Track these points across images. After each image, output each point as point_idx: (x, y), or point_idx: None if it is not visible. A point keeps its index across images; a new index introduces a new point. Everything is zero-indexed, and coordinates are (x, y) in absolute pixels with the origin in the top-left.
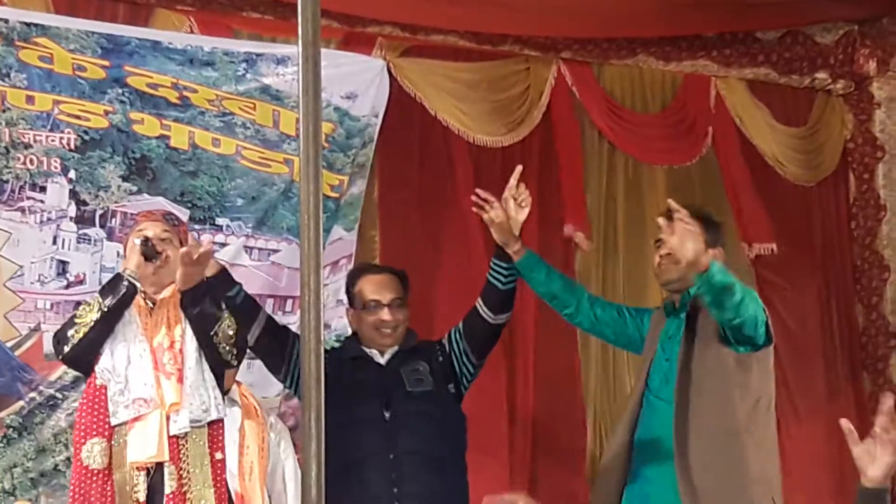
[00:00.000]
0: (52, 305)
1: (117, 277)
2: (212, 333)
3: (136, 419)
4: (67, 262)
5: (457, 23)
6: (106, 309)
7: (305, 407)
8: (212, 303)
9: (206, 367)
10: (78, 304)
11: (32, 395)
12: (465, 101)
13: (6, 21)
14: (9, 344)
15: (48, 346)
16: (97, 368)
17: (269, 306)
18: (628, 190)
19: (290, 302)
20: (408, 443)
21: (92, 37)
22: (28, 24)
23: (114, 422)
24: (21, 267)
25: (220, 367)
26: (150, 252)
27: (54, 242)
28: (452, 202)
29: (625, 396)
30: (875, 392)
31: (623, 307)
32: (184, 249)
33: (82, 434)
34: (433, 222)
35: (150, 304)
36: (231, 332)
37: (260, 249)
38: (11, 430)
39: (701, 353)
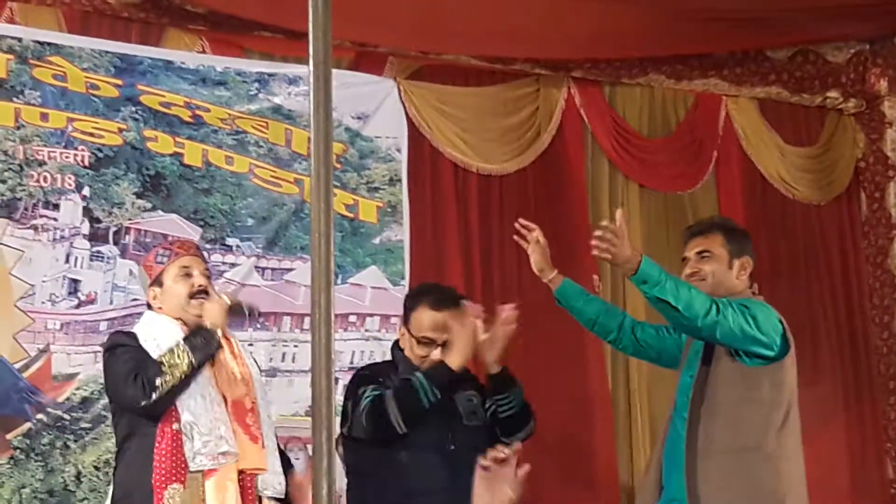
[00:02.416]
0: (61, 326)
1: (208, 333)
2: None
3: (213, 470)
4: (79, 281)
5: (469, 47)
6: (196, 365)
7: (316, 424)
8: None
9: (272, 432)
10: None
11: (40, 416)
12: (472, 127)
13: (20, 40)
14: (17, 365)
15: (57, 367)
16: (183, 421)
17: (286, 324)
18: (637, 216)
19: (307, 320)
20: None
21: (105, 56)
22: (42, 43)
23: (192, 468)
24: (32, 286)
25: None
26: (239, 311)
27: (67, 260)
28: (468, 235)
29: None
30: (887, 411)
31: (661, 326)
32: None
33: (163, 478)
34: (463, 261)
35: None
36: None
37: (273, 269)
38: (19, 451)
39: (715, 369)
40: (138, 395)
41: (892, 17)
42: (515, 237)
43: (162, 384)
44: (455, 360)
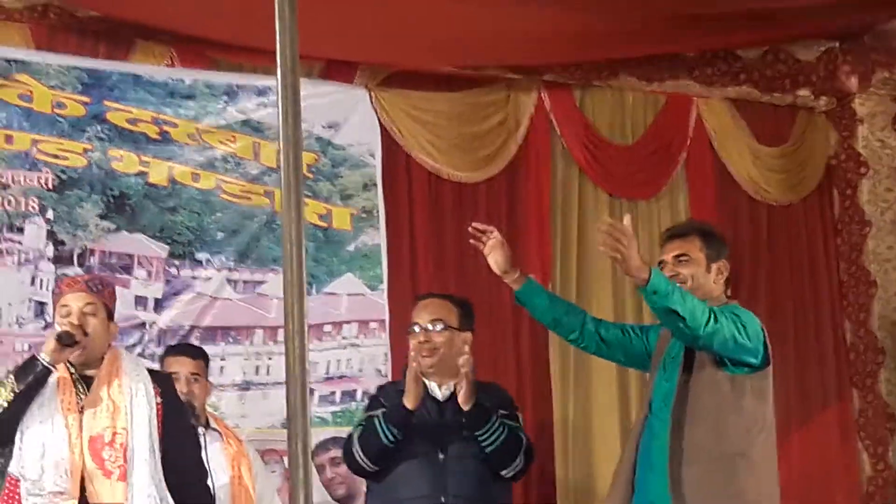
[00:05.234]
0: (30, 347)
1: (32, 360)
2: None
3: None
4: (45, 304)
5: (438, 58)
6: (18, 391)
7: (292, 436)
8: None
9: (158, 458)
10: None
11: None
12: (443, 133)
13: None
14: None
15: None
16: (11, 464)
17: (258, 337)
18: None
19: (280, 332)
20: (461, 487)
21: (72, 72)
22: (8, 61)
23: None
24: None
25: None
26: (65, 340)
27: (32, 283)
28: (445, 239)
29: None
30: (865, 409)
31: (627, 326)
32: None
33: None
34: (435, 266)
35: (78, 378)
36: None
37: (245, 282)
38: None
39: (697, 375)
40: None
41: (862, 14)
42: (472, 241)
43: None
44: (409, 401)
